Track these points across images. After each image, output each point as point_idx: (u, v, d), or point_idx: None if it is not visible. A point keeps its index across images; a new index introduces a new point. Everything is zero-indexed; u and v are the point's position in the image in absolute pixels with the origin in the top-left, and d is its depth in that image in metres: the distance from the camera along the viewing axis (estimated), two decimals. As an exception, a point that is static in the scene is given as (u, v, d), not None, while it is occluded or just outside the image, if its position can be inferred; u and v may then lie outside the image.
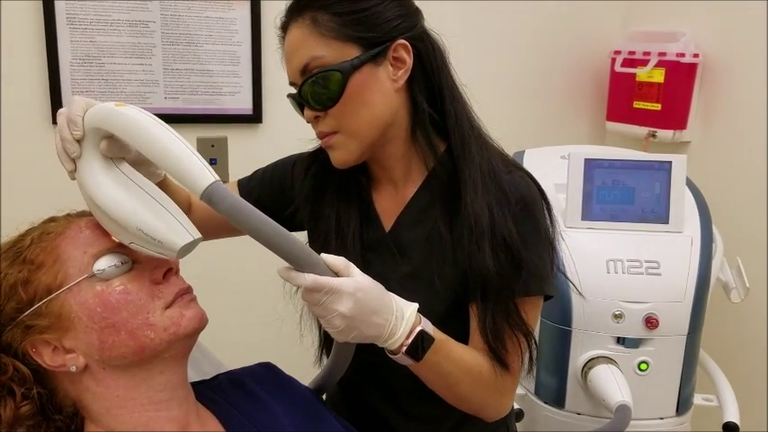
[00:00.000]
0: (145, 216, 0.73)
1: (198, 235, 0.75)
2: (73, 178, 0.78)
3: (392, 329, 0.79)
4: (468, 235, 0.88)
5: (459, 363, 0.87)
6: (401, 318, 0.80)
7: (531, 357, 0.93)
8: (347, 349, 0.91)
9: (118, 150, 0.75)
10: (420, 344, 0.81)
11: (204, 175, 0.69)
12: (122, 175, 0.76)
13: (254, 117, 1.82)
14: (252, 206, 0.72)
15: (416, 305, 0.83)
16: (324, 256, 0.77)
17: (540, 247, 0.92)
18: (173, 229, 0.74)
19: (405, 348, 0.81)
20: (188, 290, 0.81)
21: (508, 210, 0.89)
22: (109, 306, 0.74)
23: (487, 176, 0.90)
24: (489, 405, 0.92)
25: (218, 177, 0.70)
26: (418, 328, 0.81)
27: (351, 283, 0.76)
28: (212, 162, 1.81)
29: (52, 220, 0.82)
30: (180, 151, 0.70)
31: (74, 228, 0.78)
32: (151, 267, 0.78)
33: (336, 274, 0.76)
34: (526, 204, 0.91)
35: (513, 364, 0.89)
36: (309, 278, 0.74)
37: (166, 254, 0.75)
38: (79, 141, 0.75)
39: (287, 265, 0.75)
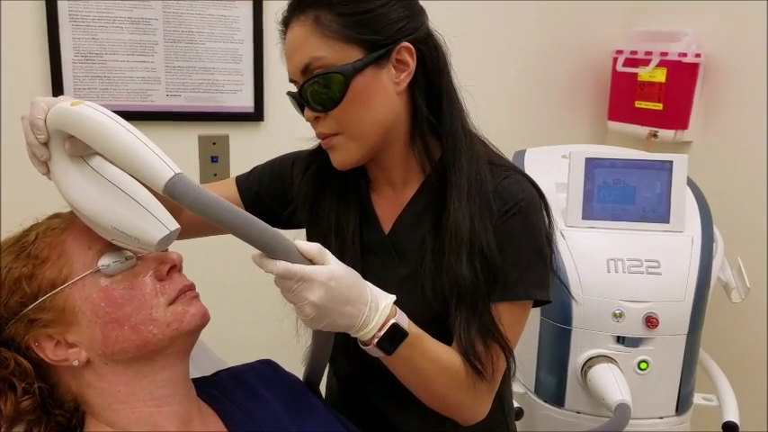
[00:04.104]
0: (118, 213, 0.72)
1: (174, 226, 0.73)
2: (51, 179, 0.76)
3: (365, 320, 0.78)
4: (447, 243, 0.88)
5: (435, 360, 0.86)
6: (375, 309, 0.79)
7: (508, 367, 0.92)
8: (324, 338, 0.90)
9: (84, 148, 0.72)
10: (392, 337, 0.80)
11: (163, 170, 0.66)
12: (93, 171, 0.73)
13: (256, 115, 1.82)
14: (218, 197, 0.69)
15: (393, 297, 0.82)
16: (298, 242, 0.75)
17: (533, 253, 0.91)
18: (148, 223, 0.72)
19: (376, 340, 0.80)
20: (191, 287, 0.81)
21: (491, 221, 0.89)
22: (113, 301, 0.75)
23: (474, 186, 0.90)
24: (465, 407, 0.91)
25: (179, 170, 0.67)
26: (392, 321, 0.80)
27: (324, 271, 0.74)
28: (213, 160, 1.81)
29: (56, 216, 0.82)
30: (136, 146, 0.67)
31: (79, 223, 0.78)
32: (156, 263, 0.79)
33: (311, 262, 0.75)
34: (521, 209, 0.90)
35: (486, 372, 0.88)
36: (280, 265, 0.73)
37: (146, 248, 0.74)
38: (46, 144, 0.73)
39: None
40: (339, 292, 0.75)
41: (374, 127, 0.89)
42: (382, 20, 0.86)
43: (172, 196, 0.67)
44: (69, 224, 0.79)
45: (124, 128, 0.68)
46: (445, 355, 0.87)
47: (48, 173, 0.75)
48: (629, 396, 1.29)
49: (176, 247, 0.81)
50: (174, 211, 0.76)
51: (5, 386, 0.74)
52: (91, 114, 0.68)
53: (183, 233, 0.77)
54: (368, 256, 0.98)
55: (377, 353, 0.81)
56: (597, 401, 1.36)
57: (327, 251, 0.77)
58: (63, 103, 0.71)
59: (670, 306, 1.36)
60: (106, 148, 0.68)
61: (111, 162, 0.71)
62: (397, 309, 0.82)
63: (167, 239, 0.73)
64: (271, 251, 0.73)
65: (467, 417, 0.92)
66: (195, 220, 0.86)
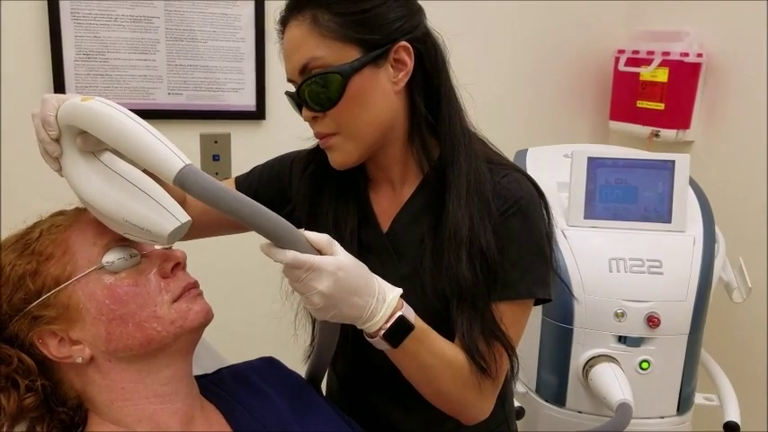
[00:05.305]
0: (130, 206, 0.73)
1: (186, 218, 0.74)
2: (63, 175, 0.77)
3: (372, 311, 0.78)
4: (447, 242, 0.88)
5: (441, 356, 0.86)
6: (382, 300, 0.79)
7: (512, 367, 0.92)
8: (330, 330, 0.90)
9: (95, 143, 0.73)
10: (398, 329, 0.80)
11: (174, 161, 0.68)
12: (104, 166, 0.75)
13: (258, 114, 1.82)
14: (227, 187, 0.70)
15: (400, 290, 0.82)
16: (306, 232, 0.76)
17: (534, 251, 0.91)
18: (159, 215, 0.73)
19: (383, 332, 0.80)
20: (195, 284, 0.81)
21: (490, 220, 0.89)
22: (117, 298, 0.75)
23: (473, 185, 0.90)
24: (470, 405, 0.90)
25: (189, 162, 0.69)
26: (398, 313, 0.80)
27: (332, 261, 0.75)
28: (215, 158, 1.81)
29: (60, 213, 0.82)
30: (147, 139, 0.68)
31: (83, 220, 0.78)
32: (160, 261, 0.79)
33: (319, 252, 0.76)
34: (521, 207, 0.90)
35: (490, 370, 0.88)
36: (289, 255, 0.73)
37: (158, 241, 0.74)
38: (58, 140, 0.74)
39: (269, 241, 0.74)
40: (347, 282, 0.76)
41: (372, 126, 0.89)
42: (380, 19, 0.86)
43: (182, 187, 0.68)
44: (73, 221, 0.79)
45: (134, 121, 0.70)
46: (450, 352, 0.87)
47: (60, 169, 0.76)
48: (630, 396, 1.29)
49: (180, 246, 0.82)
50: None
51: (8, 383, 0.74)
52: (101, 109, 0.70)
53: (187, 233, 0.78)
54: (366, 254, 0.97)
55: (383, 345, 0.81)
56: (598, 401, 1.36)
57: (336, 242, 0.78)
58: (73, 99, 0.72)
59: (672, 306, 1.37)
60: (117, 142, 0.69)
61: (122, 155, 0.72)
62: (404, 302, 0.82)
63: (179, 231, 0.74)
64: (280, 241, 0.73)
65: (471, 415, 0.92)
66: (198, 221, 0.85)
